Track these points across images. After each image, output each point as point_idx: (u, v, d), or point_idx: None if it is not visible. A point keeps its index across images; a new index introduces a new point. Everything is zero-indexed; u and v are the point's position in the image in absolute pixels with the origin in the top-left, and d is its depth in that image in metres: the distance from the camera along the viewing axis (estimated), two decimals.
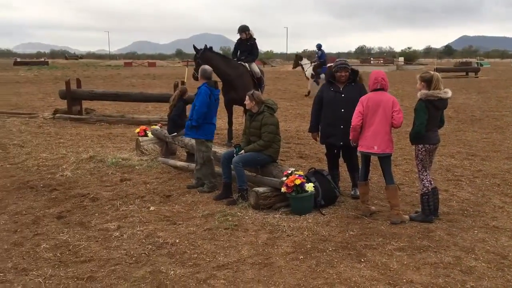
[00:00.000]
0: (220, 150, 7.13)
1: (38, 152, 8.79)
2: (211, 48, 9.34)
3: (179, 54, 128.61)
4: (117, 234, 4.93)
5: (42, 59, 74.47)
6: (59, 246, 4.64)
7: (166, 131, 8.46)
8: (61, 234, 4.94)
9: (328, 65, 19.32)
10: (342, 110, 5.95)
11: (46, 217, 5.45)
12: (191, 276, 4.01)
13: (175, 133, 8.09)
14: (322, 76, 18.86)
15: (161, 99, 13.47)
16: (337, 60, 6.35)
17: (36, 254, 4.45)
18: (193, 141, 7.38)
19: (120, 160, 8.04)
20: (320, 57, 20.33)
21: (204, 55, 9.06)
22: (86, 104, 14.20)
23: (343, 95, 6.01)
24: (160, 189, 6.58)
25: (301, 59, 21.15)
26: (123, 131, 11.45)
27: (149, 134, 8.82)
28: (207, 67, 6.73)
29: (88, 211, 5.68)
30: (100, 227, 5.14)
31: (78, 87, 13.82)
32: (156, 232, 4.97)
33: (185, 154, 8.43)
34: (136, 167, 7.71)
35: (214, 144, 7.18)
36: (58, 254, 4.44)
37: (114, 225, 5.19)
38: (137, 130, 8.99)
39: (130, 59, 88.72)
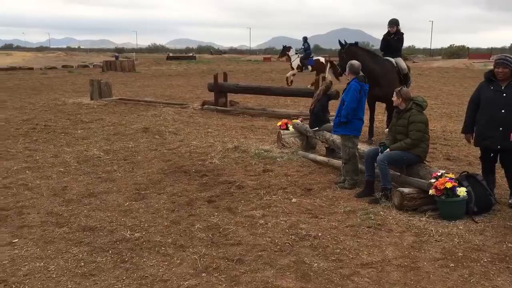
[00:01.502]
0: (362, 147, 7.01)
1: (189, 140, 9.56)
2: (356, 43, 9.22)
3: (317, 49, 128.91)
4: (262, 222, 5.16)
5: (190, 54, 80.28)
6: (211, 227, 5.01)
7: (307, 125, 8.57)
8: (212, 217, 5.33)
9: (315, 58, 20.98)
10: (502, 110, 5.43)
11: (198, 200, 5.93)
12: (334, 271, 4.04)
13: (317, 128, 8.15)
14: (309, 67, 20.81)
15: (300, 93, 13.68)
16: (498, 55, 5.81)
17: (191, 233, 4.87)
18: (334, 137, 7.37)
19: (262, 151, 8.37)
20: (306, 49, 21.15)
21: (349, 50, 8.96)
22: (229, 96, 15.02)
23: (504, 94, 5.48)
24: (301, 182, 6.70)
25: (289, 50, 21.87)
26: (264, 123, 11.88)
27: (290, 127, 9.01)
28: (355, 61, 6.63)
29: (235, 197, 6.04)
30: (246, 214, 5.43)
31: (224, 80, 14.68)
32: (299, 224, 5.09)
33: (325, 149, 8.46)
34: (277, 159, 7.96)
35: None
36: (210, 235, 4.81)
37: (259, 213, 5.44)
38: (279, 123, 9.25)
39: (269, 54, 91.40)
